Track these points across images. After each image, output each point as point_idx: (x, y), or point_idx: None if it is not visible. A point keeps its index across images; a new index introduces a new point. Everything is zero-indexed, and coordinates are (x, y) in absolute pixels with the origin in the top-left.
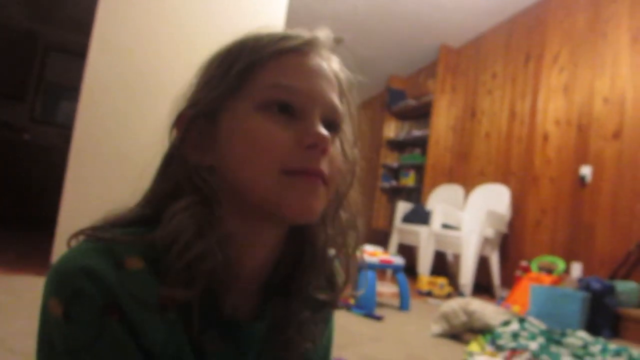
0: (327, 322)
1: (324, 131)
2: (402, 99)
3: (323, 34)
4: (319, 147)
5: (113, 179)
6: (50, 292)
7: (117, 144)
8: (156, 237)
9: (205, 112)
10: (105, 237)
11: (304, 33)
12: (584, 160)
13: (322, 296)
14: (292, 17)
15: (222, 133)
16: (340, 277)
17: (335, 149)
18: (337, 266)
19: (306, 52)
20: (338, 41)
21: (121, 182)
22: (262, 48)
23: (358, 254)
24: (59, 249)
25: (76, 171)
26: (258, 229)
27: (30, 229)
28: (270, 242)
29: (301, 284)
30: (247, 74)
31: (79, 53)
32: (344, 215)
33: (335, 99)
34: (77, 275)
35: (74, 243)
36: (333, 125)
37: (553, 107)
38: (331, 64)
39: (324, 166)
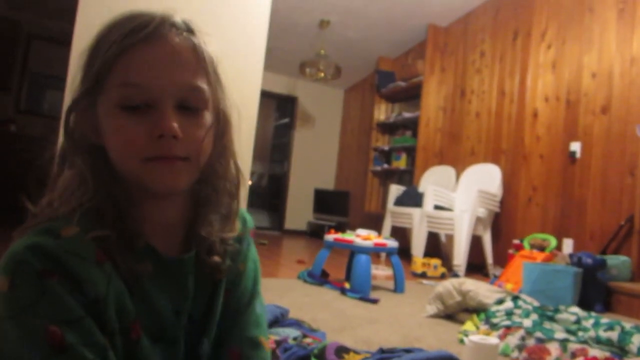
0: (241, 243)
1: (169, 121)
2: (392, 81)
3: (176, 16)
4: (167, 136)
5: None
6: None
7: None
8: (53, 197)
9: (86, 102)
10: (42, 221)
11: (152, 19)
12: (573, 136)
13: (214, 229)
14: (279, 0)
15: (100, 122)
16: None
17: (197, 123)
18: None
19: (153, 41)
20: (325, 24)
21: None
22: (110, 46)
23: (234, 195)
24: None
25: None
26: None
27: (20, 222)
28: (169, 198)
29: (201, 222)
30: (102, 74)
31: (62, 41)
32: (220, 169)
33: (190, 79)
34: (21, 252)
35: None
36: (194, 103)
37: (542, 84)
38: (187, 42)
39: (179, 148)
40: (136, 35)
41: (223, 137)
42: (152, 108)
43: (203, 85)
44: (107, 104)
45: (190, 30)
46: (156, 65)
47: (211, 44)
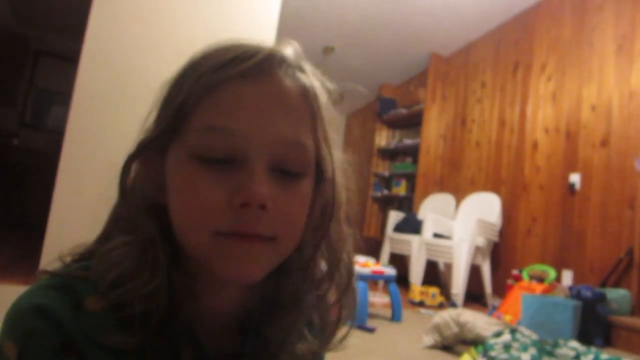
0: None
1: (259, 186)
2: (393, 108)
3: (287, 49)
4: (253, 205)
5: (104, 186)
6: (4, 333)
7: (108, 150)
8: (90, 274)
9: (155, 148)
10: (62, 272)
11: (258, 50)
12: (573, 167)
13: (299, 345)
14: (284, 26)
15: (167, 176)
16: (327, 322)
17: (294, 193)
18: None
19: (255, 77)
20: (329, 50)
21: (112, 188)
22: (198, 79)
23: (350, 293)
24: (48, 256)
25: (67, 177)
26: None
27: (20, 236)
28: (238, 287)
29: (274, 329)
30: (182, 113)
31: (69, 58)
32: (326, 255)
33: (294, 132)
34: (30, 314)
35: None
36: (293, 166)
37: (542, 115)
38: (298, 84)
39: (265, 224)
40: (234, 68)
41: (328, 216)
42: (238, 165)
43: (308, 142)
44: (181, 152)
45: (302, 69)
46: (254, 109)
47: (326, 89)
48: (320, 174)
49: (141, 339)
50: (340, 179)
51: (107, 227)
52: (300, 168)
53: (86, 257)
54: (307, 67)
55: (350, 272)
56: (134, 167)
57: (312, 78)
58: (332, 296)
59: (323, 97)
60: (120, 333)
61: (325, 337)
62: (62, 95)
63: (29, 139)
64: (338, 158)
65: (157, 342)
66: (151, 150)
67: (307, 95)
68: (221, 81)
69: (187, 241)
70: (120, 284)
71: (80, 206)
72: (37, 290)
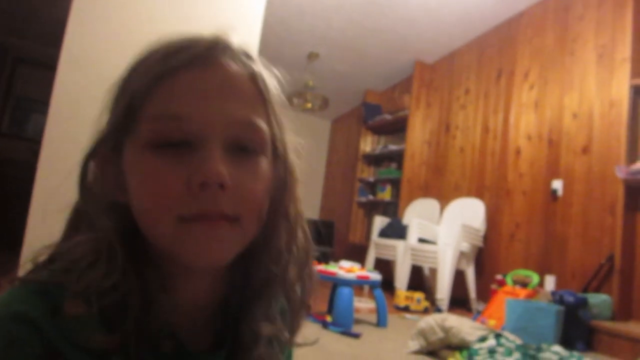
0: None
1: (216, 165)
2: (378, 114)
3: (231, 37)
4: (212, 185)
5: None
6: None
7: None
8: (60, 277)
9: (111, 146)
10: (36, 279)
11: (201, 39)
12: (555, 174)
13: (268, 328)
14: (269, 32)
15: (125, 172)
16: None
17: (253, 171)
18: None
19: (202, 65)
20: (314, 56)
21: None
22: (145, 72)
23: (308, 272)
24: (25, 269)
25: (44, 186)
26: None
27: None
28: (207, 276)
29: (249, 316)
30: (133, 108)
31: (49, 66)
32: (283, 236)
33: (246, 114)
34: (9, 323)
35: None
36: (249, 144)
37: (525, 122)
38: (245, 70)
39: (227, 202)
40: (179, 57)
41: (285, 193)
42: (193, 149)
43: (261, 123)
44: (136, 145)
45: (249, 56)
46: (204, 94)
47: (274, 76)
48: (275, 154)
49: (121, 338)
50: (293, 159)
51: (68, 227)
52: (257, 146)
53: (54, 259)
54: (254, 55)
55: (307, 248)
56: (92, 167)
57: (259, 65)
58: (292, 272)
59: (272, 83)
60: (101, 334)
61: (294, 317)
62: (42, 103)
63: (7, 148)
64: (291, 140)
65: (137, 339)
66: (107, 148)
67: (255, 80)
68: (168, 71)
69: (152, 233)
70: (83, 283)
71: (58, 217)
72: (13, 298)
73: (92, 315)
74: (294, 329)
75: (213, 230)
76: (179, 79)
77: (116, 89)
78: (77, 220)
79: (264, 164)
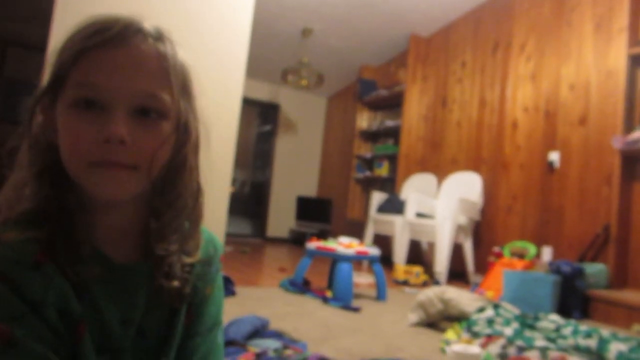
0: (210, 266)
1: (117, 126)
2: (374, 90)
3: (145, 22)
4: (113, 141)
5: None
6: None
7: None
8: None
9: (48, 100)
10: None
11: (116, 22)
12: (552, 146)
13: (174, 245)
14: (262, 8)
15: (57, 122)
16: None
17: (152, 131)
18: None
19: (114, 44)
20: (308, 32)
21: None
22: (71, 48)
23: (199, 204)
24: None
25: None
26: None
27: None
28: (127, 206)
29: (155, 237)
30: (61, 74)
31: (39, 47)
32: (178, 184)
33: (149, 87)
34: None
35: None
36: (152, 110)
37: (521, 95)
38: (152, 49)
39: (126, 155)
40: (97, 38)
41: (182, 149)
42: (104, 112)
43: (164, 95)
44: (63, 104)
45: (160, 38)
46: (114, 68)
47: (185, 55)
48: (178, 120)
49: (49, 248)
50: (197, 124)
51: (15, 172)
52: (158, 113)
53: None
54: (167, 38)
55: (198, 190)
56: (34, 116)
57: (169, 47)
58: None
59: (178, 61)
60: (35, 248)
61: (192, 231)
62: (33, 85)
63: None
64: (199, 109)
65: (64, 248)
66: (45, 102)
67: (162, 59)
68: (87, 49)
69: (71, 171)
70: (16, 211)
71: None
72: None
73: (21, 238)
74: (194, 240)
75: (113, 174)
76: (96, 56)
77: (54, 55)
78: (20, 162)
79: (165, 126)
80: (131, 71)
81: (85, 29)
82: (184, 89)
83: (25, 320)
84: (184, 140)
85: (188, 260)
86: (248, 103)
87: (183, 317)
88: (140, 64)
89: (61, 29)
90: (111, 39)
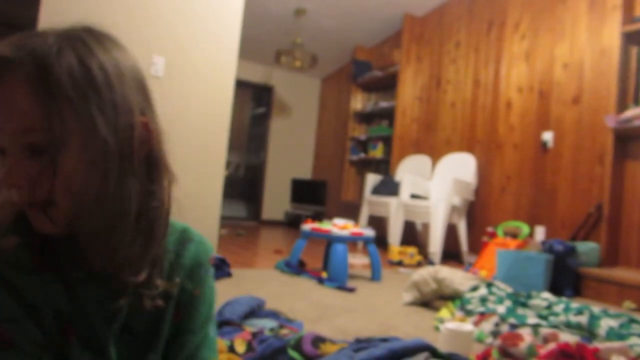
0: (200, 283)
1: (9, 174)
2: (368, 70)
3: (22, 46)
4: (13, 186)
5: None
6: None
7: None
8: None
9: None
10: None
11: None
12: (545, 126)
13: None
14: None
15: None
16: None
17: (49, 167)
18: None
19: None
20: (301, 12)
21: None
22: None
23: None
24: None
25: None
26: None
27: None
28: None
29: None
30: None
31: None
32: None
33: (24, 125)
34: None
35: None
36: (40, 146)
37: (515, 74)
38: (21, 78)
39: (34, 194)
40: None
41: (106, 170)
42: (5, 156)
43: (45, 125)
44: None
45: (38, 63)
46: None
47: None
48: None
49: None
50: (118, 133)
51: None
52: (47, 147)
53: None
54: (66, 50)
55: (156, 209)
56: None
57: (65, 59)
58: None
59: (68, 77)
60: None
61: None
62: None
63: None
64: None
65: (56, 260)
66: None
67: (42, 86)
68: None
69: None
70: None
71: None
72: None
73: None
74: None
75: (33, 214)
76: None
77: None
78: None
79: (65, 157)
80: (4, 114)
81: None
82: (88, 98)
83: (22, 324)
84: (103, 158)
85: (146, 292)
86: (241, 85)
87: (170, 315)
88: (9, 103)
89: (49, 11)
90: None
